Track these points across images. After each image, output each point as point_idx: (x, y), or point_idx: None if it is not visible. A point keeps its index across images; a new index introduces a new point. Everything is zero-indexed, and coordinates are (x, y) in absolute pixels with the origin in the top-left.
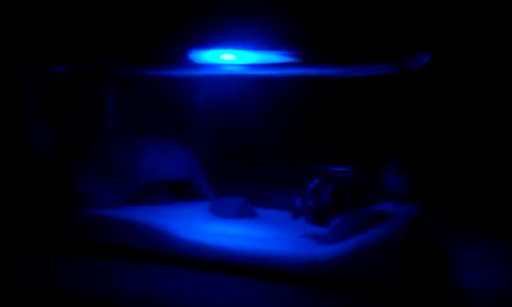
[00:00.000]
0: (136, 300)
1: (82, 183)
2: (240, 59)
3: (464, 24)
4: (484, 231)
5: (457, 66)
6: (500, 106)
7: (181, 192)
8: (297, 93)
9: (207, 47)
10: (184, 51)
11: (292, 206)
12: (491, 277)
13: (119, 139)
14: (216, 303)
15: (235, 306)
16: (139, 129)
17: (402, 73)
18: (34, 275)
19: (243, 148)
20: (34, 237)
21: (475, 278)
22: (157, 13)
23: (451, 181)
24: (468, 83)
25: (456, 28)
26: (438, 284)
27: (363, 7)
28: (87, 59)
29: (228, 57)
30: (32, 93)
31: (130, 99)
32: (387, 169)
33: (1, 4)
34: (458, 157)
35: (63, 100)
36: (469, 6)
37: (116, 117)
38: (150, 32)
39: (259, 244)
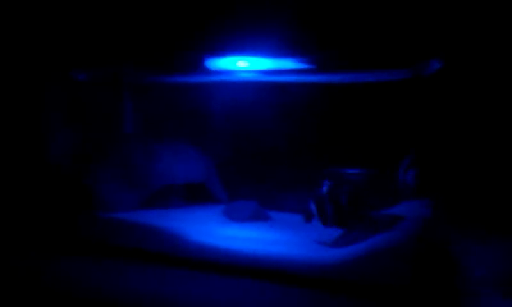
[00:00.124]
0: (149, 302)
1: (99, 186)
2: (255, 65)
3: (475, 31)
4: (485, 231)
5: (468, 72)
6: (503, 110)
7: (195, 196)
8: (310, 99)
9: (222, 54)
10: (200, 58)
11: (306, 210)
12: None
13: (135, 143)
14: (229, 306)
15: None
16: (155, 134)
17: (415, 78)
18: (50, 275)
19: (257, 152)
20: (51, 238)
21: (481, 279)
22: (174, 22)
23: (460, 183)
24: (477, 88)
25: (467, 34)
26: (449, 287)
27: (376, 14)
28: (106, 67)
29: (243, 64)
30: (53, 99)
31: (148, 105)
32: (401, 167)
33: (24, 12)
34: (466, 159)
35: (82, 106)
36: (480, 13)
37: (134, 123)
38: (167, 41)
39: (272, 247)
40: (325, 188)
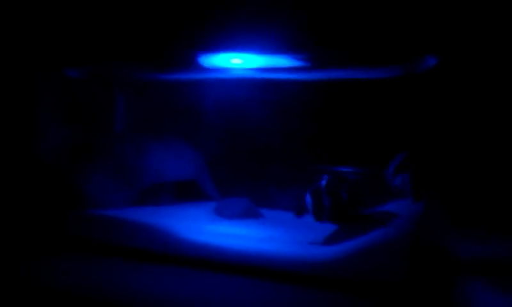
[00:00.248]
0: (140, 300)
1: (89, 183)
2: (249, 62)
3: (470, 27)
4: (485, 231)
5: (463, 69)
6: (501, 108)
7: (186, 193)
8: (304, 96)
9: (216, 51)
10: (194, 55)
11: (299, 204)
12: (493, 277)
13: (125, 140)
14: (220, 303)
15: (238, 306)
16: (147, 132)
17: (409, 75)
18: (40, 273)
19: (250, 149)
20: (40, 236)
21: (477, 278)
22: (167, 18)
23: (455, 181)
24: (473, 85)
25: (462, 31)
26: (443, 284)
27: (370, 11)
28: (98, 63)
29: (237, 61)
30: (44, 96)
31: (140, 102)
32: (390, 167)
33: (16, 10)
34: (461, 157)
35: (74, 103)
36: (475, 9)
37: (126, 120)
38: (160, 38)
39: (263, 245)
40: (324, 182)
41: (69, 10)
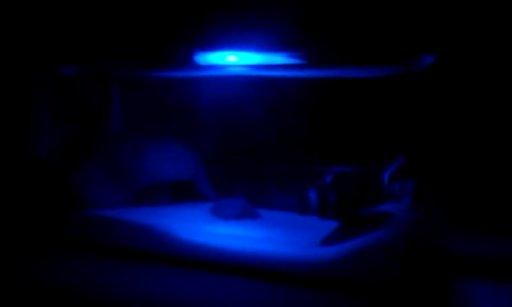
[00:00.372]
0: (137, 300)
1: (86, 183)
2: (245, 60)
3: (467, 25)
4: (484, 230)
5: (460, 67)
6: (501, 107)
7: (183, 193)
8: (301, 94)
9: (212, 49)
10: (190, 53)
11: (303, 201)
12: (492, 277)
13: (122, 141)
14: (217, 304)
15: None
16: (144, 130)
17: (406, 74)
18: (37, 274)
19: (247, 148)
20: (38, 236)
21: (476, 278)
22: (164, 17)
23: (453, 181)
24: (470, 84)
25: (459, 29)
26: (441, 285)
27: (367, 9)
28: (95, 61)
29: (233, 59)
30: (40, 95)
31: (137, 100)
32: (387, 171)
33: (13, 7)
34: (461, 157)
35: (69, 101)
36: (472, 7)
37: (122, 118)
38: (156, 35)
39: (260, 245)
40: (329, 178)
41: (66, 7)
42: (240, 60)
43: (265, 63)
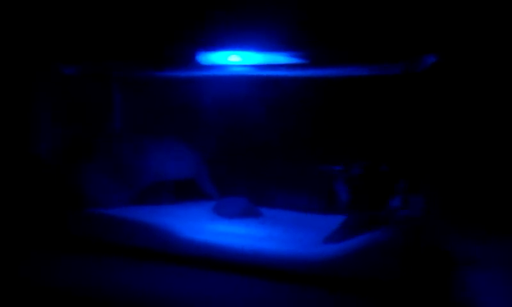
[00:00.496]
0: (140, 299)
1: (89, 183)
2: (247, 60)
3: (469, 25)
4: (485, 230)
5: (462, 68)
6: (501, 107)
7: (186, 192)
8: (303, 94)
9: (214, 49)
10: (192, 53)
11: (330, 194)
12: (492, 277)
13: (124, 140)
14: (219, 302)
15: (238, 305)
16: (145, 130)
17: (408, 74)
18: (39, 273)
19: (249, 148)
20: (40, 236)
21: (476, 277)
22: (165, 16)
23: (453, 181)
24: (472, 85)
25: (462, 29)
26: (440, 284)
27: (369, 9)
28: (95, 61)
29: (235, 59)
30: (41, 94)
31: (138, 100)
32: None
33: (13, 6)
34: (461, 157)
35: (71, 101)
36: (474, 7)
37: (124, 118)
38: (158, 35)
39: (263, 243)
40: (357, 170)
41: (67, 7)
42: (243, 60)
43: (267, 63)
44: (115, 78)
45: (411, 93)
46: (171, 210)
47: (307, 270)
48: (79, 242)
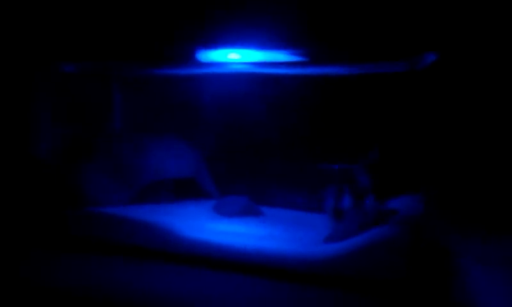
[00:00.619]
0: (139, 298)
1: (89, 182)
2: (247, 57)
3: (470, 24)
4: (485, 229)
5: (463, 66)
6: (502, 106)
7: (186, 191)
8: (303, 92)
9: (214, 46)
10: (191, 50)
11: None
12: (492, 277)
13: (124, 139)
14: (220, 301)
15: (238, 304)
16: (145, 128)
17: (408, 72)
18: (39, 273)
19: (249, 146)
20: (40, 235)
21: (477, 276)
22: (164, 14)
23: (454, 179)
24: (473, 83)
25: (462, 27)
26: (441, 283)
27: (370, 7)
28: (95, 60)
29: (234, 56)
30: (41, 94)
31: (137, 98)
32: (359, 164)
33: (13, 7)
34: (462, 156)
35: (70, 101)
36: (475, 6)
37: (124, 117)
38: (158, 33)
39: (263, 242)
40: (375, 156)
41: (67, 6)
42: (242, 57)
43: (267, 61)
44: (115, 78)
45: (411, 91)
46: (171, 208)
47: (307, 269)
48: (78, 242)
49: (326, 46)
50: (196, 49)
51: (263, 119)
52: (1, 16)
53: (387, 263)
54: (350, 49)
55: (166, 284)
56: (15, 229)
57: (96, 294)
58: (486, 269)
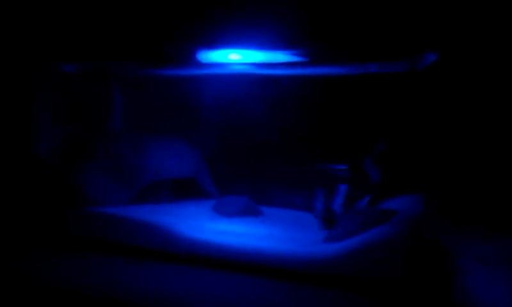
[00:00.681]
0: (139, 297)
1: (89, 182)
2: (247, 58)
3: (470, 23)
4: (485, 229)
5: (463, 66)
6: (502, 105)
7: (185, 191)
8: (303, 92)
9: (214, 47)
10: (192, 51)
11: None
12: (492, 276)
13: (124, 139)
14: (219, 301)
15: (238, 304)
16: (145, 129)
17: (409, 72)
18: (39, 272)
19: (249, 146)
20: (40, 236)
21: (476, 276)
22: (165, 14)
23: (454, 179)
24: (473, 83)
25: (462, 27)
26: (441, 283)
27: (369, 7)
28: (95, 60)
29: (235, 57)
30: (41, 94)
31: (138, 99)
32: (368, 157)
33: (13, 7)
34: (462, 156)
35: (70, 101)
36: (475, 5)
37: (124, 116)
38: (158, 33)
39: (263, 242)
40: (383, 147)
41: (67, 6)
42: (243, 58)
43: (267, 61)
44: (115, 78)
45: (411, 92)
46: (171, 208)
47: (307, 269)
48: (78, 241)
49: (326, 46)
50: (197, 49)
51: (263, 119)
52: (1, 16)
53: (386, 263)
54: (350, 49)
55: (166, 284)
56: (15, 229)
57: (96, 294)
58: (486, 269)
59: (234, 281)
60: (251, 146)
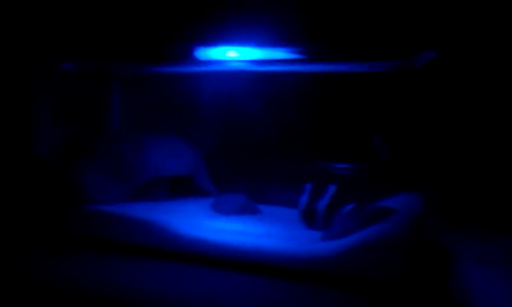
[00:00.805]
0: (137, 295)
1: (87, 181)
2: (245, 55)
3: (468, 22)
4: (485, 229)
5: (460, 64)
6: (501, 104)
7: (183, 189)
8: (301, 89)
9: (212, 44)
10: (190, 49)
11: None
12: (492, 276)
13: (122, 137)
14: (217, 299)
15: (236, 302)
16: (144, 127)
17: (406, 70)
18: (38, 270)
19: (247, 143)
20: (39, 234)
21: (476, 276)
22: (163, 12)
23: (454, 179)
24: (471, 81)
25: (459, 26)
26: (441, 283)
27: (367, 5)
28: (95, 59)
29: (233, 54)
30: (41, 94)
31: (136, 97)
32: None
33: (13, 7)
34: (460, 154)
35: (69, 100)
36: (472, 4)
37: (123, 115)
38: (157, 31)
39: (260, 240)
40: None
41: (66, 5)
42: (241, 55)
43: (265, 58)
44: (115, 77)
45: (409, 90)
46: (169, 206)
47: (305, 267)
48: (77, 240)
49: (324, 44)
50: (195, 47)
51: (261, 117)
52: (1, 16)
53: (385, 262)
54: (348, 47)
55: (164, 281)
56: (15, 229)
57: (94, 291)
58: (486, 269)
59: (232, 279)
60: (249, 144)
